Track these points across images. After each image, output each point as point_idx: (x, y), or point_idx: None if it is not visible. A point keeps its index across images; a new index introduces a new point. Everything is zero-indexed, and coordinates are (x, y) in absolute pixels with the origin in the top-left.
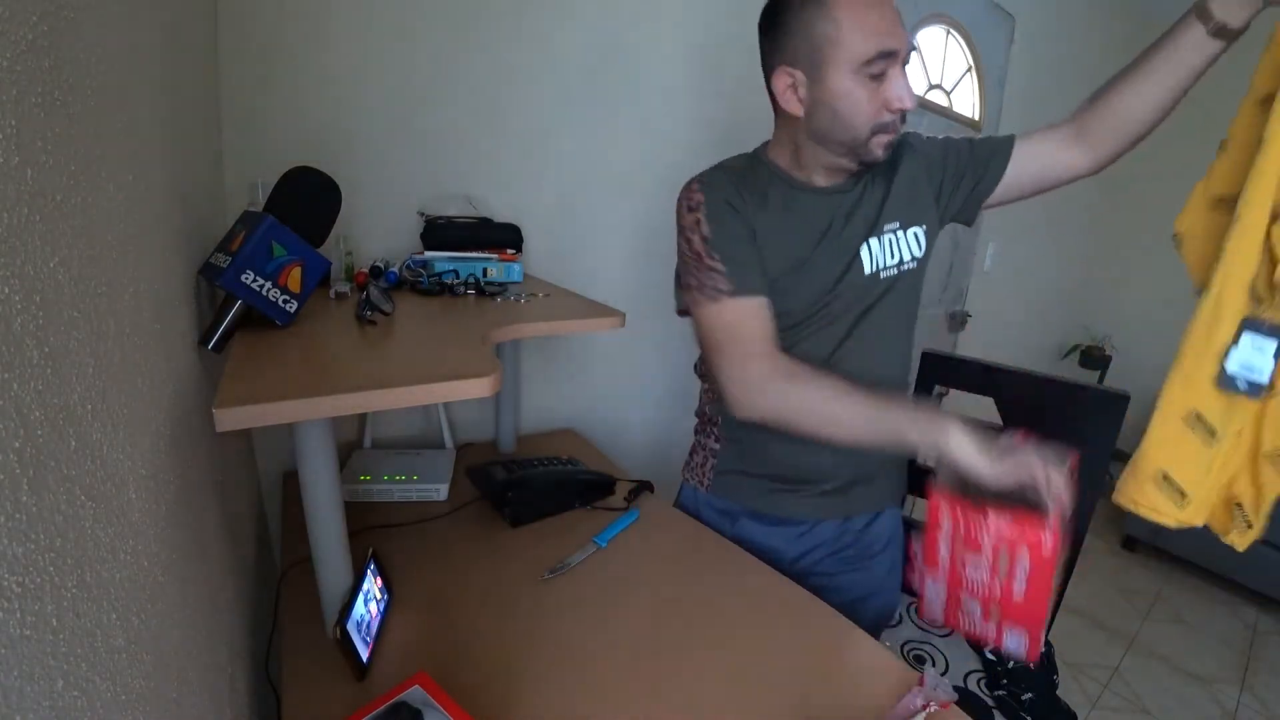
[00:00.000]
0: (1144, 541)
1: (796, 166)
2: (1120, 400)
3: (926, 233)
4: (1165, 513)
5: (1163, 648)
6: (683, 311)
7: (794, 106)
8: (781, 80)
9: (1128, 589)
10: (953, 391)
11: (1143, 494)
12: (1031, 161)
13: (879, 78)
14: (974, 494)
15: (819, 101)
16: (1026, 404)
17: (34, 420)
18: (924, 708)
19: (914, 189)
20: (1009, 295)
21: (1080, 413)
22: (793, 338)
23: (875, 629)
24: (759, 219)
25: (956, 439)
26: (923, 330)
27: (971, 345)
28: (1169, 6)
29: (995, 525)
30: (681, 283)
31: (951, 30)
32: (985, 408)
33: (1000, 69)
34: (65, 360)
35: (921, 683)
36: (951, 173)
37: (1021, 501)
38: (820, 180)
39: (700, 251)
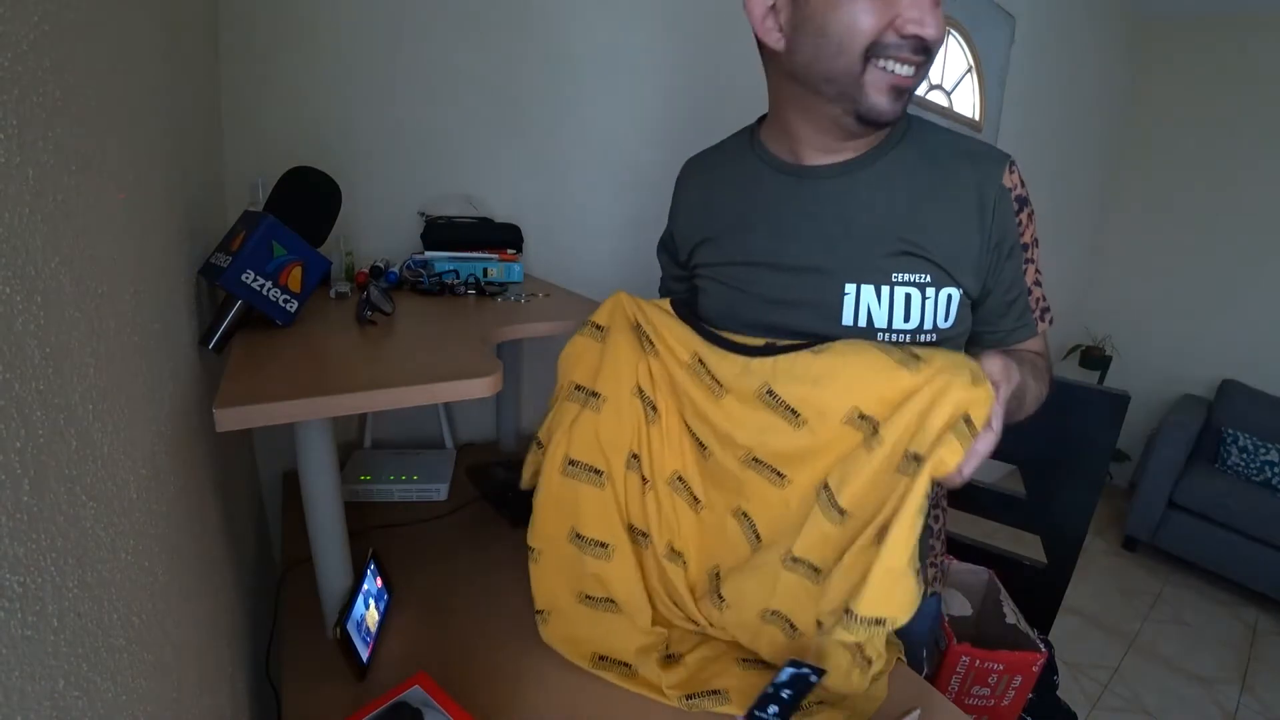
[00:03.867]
0: (1144, 541)
1: (787, 149)
2: (1120, 400)
3: (960, 302)
4: None
5: (1163, 648)
6: None
7: (774, 37)
8: (758, 6)
9: (1128, 589)
10: None
11: None
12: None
13: None
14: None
15: (803, 21)
16: None
17: (35, 420)
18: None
19: (964, 232)
20: None
21: (1080, 413)
22: None
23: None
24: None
25: None
26: None
27: None
28: (1169, 6)
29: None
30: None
31: (951, 30)
32: None
33: (1000, 69)
34: (66, 360)
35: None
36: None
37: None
38: (817, 159)
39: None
